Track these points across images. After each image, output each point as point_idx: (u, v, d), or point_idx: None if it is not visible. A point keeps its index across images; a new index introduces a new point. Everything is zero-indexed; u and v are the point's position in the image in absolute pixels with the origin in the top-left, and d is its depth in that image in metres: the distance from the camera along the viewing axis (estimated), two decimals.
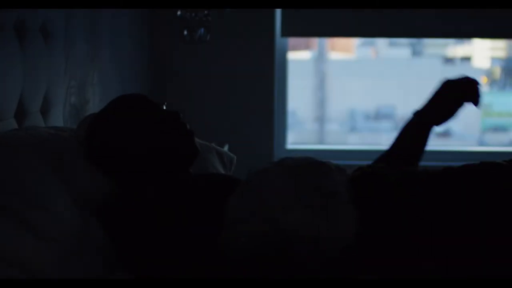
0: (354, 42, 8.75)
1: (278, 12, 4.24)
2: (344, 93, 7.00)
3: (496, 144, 6.59)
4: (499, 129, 6.93)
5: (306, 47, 8.94)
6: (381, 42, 7.87)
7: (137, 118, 1.97)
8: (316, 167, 1.78)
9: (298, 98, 5.93)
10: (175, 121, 1.97)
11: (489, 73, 9.23)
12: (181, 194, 1.77)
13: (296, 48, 9.47)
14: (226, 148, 3.17)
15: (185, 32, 3.32)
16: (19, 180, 1.67)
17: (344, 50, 9.77)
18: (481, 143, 6.62)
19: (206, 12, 3.28)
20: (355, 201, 1.70)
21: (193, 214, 1.73)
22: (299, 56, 9.16)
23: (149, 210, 1.77)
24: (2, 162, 1.71)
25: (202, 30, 3.33)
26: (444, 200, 1.68)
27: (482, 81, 9.64)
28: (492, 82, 9.48)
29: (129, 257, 1.79)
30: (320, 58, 9.10)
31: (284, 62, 4.45)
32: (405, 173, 1.80)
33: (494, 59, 9.21)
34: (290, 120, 4.70)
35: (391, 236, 1.67)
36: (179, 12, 3.27)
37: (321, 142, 6.07)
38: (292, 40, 4.77)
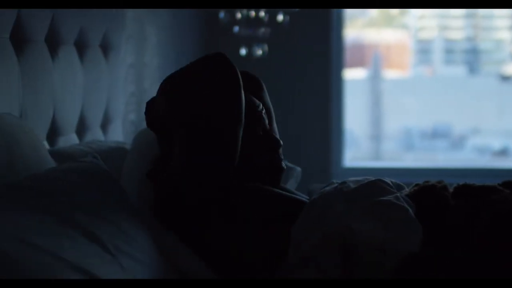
0: (409, 60, 8.71)
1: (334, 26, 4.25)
2: (400, 112, 6.98)
3: None
4: None
5: (361, 65, 8.93)
6: (437, 60, 7.84)
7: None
8: (378, 186, 1.77)
9: (355, 116, 5.93)
10: (273, 151, 1.87)
11: None
12: (260, 206, 1.75)
13: (351, 65, 9.46)
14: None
15: (242, 50, 3.34)
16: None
17: (399, 68, 9.72)
18: None
19: (263, 29, 3.31)
20: (417, 215, 1.69)
21: (264, 230, 1.72)
22: (355, 74, 9.15)
23: (228, 210, 1.73)
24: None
25: (259, 47, 3.36)
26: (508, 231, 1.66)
27: None
28: None
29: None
30: (376, 76, 9.07)
31: (340, 80, 4.46)
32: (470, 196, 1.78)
33: None
34: (347, 138, 4.69)
35: (450, 252, 1.66)
36: (236, 29, 3.30)
37: (377, 160, 6.05)
38: (347, 58, 4.78)
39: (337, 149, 4.44)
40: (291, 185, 2.65)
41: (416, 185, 1.85)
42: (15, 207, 1.44)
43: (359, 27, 9.78)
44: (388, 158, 6.37)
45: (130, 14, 3.07)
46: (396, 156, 6.69)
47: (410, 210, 1.69)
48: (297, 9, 3.34)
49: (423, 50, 8.01)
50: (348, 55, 4.70)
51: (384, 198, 1.70)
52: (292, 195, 1.85)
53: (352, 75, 9.65)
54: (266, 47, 3.36)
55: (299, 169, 2.68)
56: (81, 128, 2.43)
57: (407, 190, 1.84)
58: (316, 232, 1.64)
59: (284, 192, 1.83)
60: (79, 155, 2.00)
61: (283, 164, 1.87)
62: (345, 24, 4.51)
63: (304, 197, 1.89)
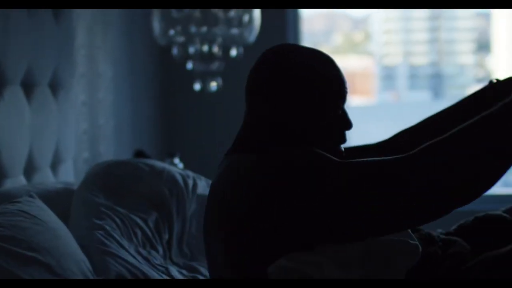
0: (374, 86, 8.76)
1: None
2: (365, 138, 6.99)
3: None
4: None
5: None
6: (402, 86, 7.88)
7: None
8: None
9: None
10: (344, 132, 1.82)
11: None
12: None
13: None
14: None
15: (196, 85, 3.34)
16: None
17: (364, 94, 9.77)
18: None
19: (216, 63, 3.31)
20: None
21: None
22: None
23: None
24: None
25: (213, 81, 3.36)
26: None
27: None
28: None
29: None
30: None
31: None
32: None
33: None
34: None
35: None
36: (190, 65, 3.30)
37: None
38: None
39: None
40: None
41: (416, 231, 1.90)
42: None
43: None
44: None
45: (82, 51, 3.07)
46: None
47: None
48: (251, 42, 3.34)
49: (388, 76, 8.04)
50: None
51: None
52: None
53: None
54: (220, 81, 3.36)
55: None
56: (30, 169, 2.41)
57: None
58: None
59: None
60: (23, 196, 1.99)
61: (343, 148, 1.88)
62: None
63: None
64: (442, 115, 2.07)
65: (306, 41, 4.60)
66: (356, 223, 1.61)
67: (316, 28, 7.69)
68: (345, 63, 8.27)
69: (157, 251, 2.29)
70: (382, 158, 1.64)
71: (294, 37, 4.33)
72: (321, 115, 1.76)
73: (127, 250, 2.17)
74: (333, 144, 1.80)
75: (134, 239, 2.26)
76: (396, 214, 1.61)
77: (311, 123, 1.76)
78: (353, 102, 7.33)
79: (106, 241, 2.14)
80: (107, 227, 2.20)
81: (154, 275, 2.12)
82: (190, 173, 2.59)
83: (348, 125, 1.81)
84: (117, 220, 2.25)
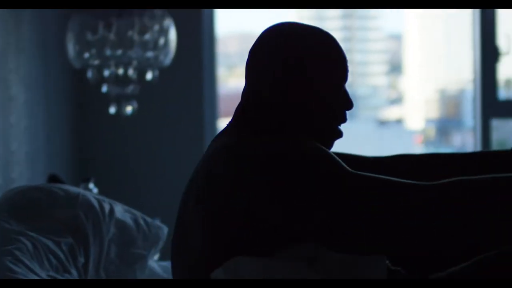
0: None
1: (206, 78, 4.25)
2: None
3: None
4: None
5: None
6: None
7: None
8: None
9: None
10: (345, 111, 1.80)
11: (423, 133, 9.38)
12: None
13: (231, 114, 9.47)
14: (157, 221, 3.15)
15: (111, 108, 3.31)
16: None
17: None
18: None
19: (132, 87, 3.28)
20: None
21: None
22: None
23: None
24: None
25: (128, 104, 3.33)
26: None
27: (418, 141, 9.77)
28: (427, 142, 9.63)
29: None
30: None
31: (214, 130, 4.45)
32: None
33: (428, 120, 9.37)
34: None
35: None
36: (105, 88, 3.27)
37: None
38: (227, 106, 4.78)
39: None
40: (157, 248, 2.64)
41: None
42: None
43: (240, 76, 9.81)
44: None
45: None
46: None
47: None
48: (167, 65, 3.33)
49: None
50: (229, 104, 4.69)
51: None
52: None
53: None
54: (135, 105, 3.34)
55: (166, 229, 2.67)
56: None
57: None
58: None
59: None
60: None
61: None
62: (218, 75, 4.51)
63: None
64: (447, 158, 2.04)
65: (222, 63, 4.61)
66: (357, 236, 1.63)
67: (231, 49, 7.73)
68: None
69: (71, 275, 2.26)
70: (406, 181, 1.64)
71: (209, 59, 4.33)
72: (323, 94, 1.75)
73: (37, 274, 2.13)
74: (334, 124, 1.79)
75: (46, 263, 2.22)
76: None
77: (313, 102, 1.75)
78: None
79: (13, 267, 2.09)
80: (17, 252, 2.15)
81: None
82: (106, 198, 2.57)
83: (349, 104, 1.80)
84: (29, 244, 2.21)
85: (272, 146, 1.66)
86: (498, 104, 4.36)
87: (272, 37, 1.78)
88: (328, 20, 8.39)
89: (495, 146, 4.56)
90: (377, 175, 1.65)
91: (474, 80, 4.43)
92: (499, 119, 4.50)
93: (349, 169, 1.64)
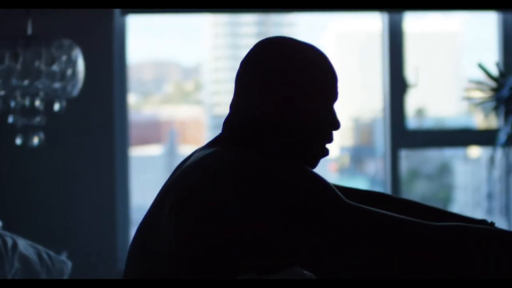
0: (205, 135, 8.84)
1: (117, 108, 4.23)
2: None
3: None
4: None
5: (158, 141, 8.97)
6: None
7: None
8: None
9: (151, 193, 5.88)
10: (333, 131, 1.81)
11: (338, 161, 9.49)
12: None
13: (148, 142, 9.46)
14: (63, 256, 3.10)
15: (18, 139, 3.26)
16: None
17: (195, 143, 9.84)
18: None
19: (39, 118, 3.24)
20: None
21: None
22: (152, 150, 9.14)
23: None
24: None
25: (35, 135, 3.28)
26: None
27: (332, 169, 9.88)
28: (342, 169, 9.75)
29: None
30: (172, 152, 9.12)
31: (125, 158, 4.40)
32: None
33: (342, 148, 9.50)
34: (136, 216, 4.64)
35: None
36: (11, 119, 3.22)
37: None
38: (141, 134, 4.75)
39: (123, 228, 4.38)
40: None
41: None
42: None
43: (155, 103, 9.81)
44: None
45: None
46: None
47: None
48: (75, 95, 3.30)
49: (218, 125, 8.07)
50: (144, 132, 4.67)
51: None
52: None
53: (149, 151, 9.64)
54: (42, 135, 3.29)
55: (70, 264, 2.63)
56: None
57: None
58: None
59: None
60: None
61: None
62: (129, 103, 4.49)
63: None
64: (423, 208, 2.02)
65: (135, 90, 4.59)
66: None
67: (145, 77, 7.71)
68: (176, 112, 8.31)
69: None
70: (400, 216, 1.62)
71: (121, 87, 4.31)
72: (311, 112, 1.75)
73: None
74: (321, 143, 1.79)
75: None
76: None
77: (301, 120, 1.74)
78: (184, 151, 7.36)
79: None
80: None
81: None
82: (8, 233, 2.52)
83: (337, 124, 1.81)
84: None
85: (258, 165, 1.63)
86: (407, 133, 4.45)
87: (265, 52, 1.76)
88: (243, 26, 8.47)
89: (405, 175, 4.64)
90: (375, 209, 1.63)
91: (384, 111, 4.52)
92: (407, 149, 4.58)
93: (345, 198, 1.63)
